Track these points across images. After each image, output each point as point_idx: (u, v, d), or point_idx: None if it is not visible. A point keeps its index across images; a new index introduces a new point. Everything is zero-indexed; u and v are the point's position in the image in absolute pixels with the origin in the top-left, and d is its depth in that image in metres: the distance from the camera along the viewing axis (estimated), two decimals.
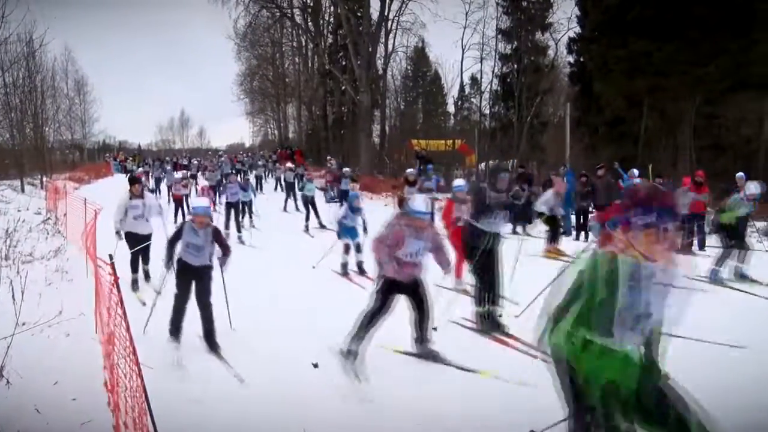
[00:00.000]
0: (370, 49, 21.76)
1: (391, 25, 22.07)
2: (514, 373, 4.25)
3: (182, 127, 26.72)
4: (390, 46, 22.47)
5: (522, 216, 6.99)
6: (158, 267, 6.11)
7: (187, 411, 3.68)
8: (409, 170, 12.71)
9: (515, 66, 21.47)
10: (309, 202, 13.31)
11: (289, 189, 16.38)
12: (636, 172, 12.34)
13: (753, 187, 7.69)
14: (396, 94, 24.12)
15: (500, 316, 5.67)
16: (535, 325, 2.56)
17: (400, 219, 4.75)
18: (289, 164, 17.98)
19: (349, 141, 23.29)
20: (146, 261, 7.53)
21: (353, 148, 22.67)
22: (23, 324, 4.49)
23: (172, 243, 5.29)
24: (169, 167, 19.50)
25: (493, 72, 21.89)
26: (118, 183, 16.90)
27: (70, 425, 3.43)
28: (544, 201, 9.48)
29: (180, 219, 12.85)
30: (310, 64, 25.13)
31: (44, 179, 19.48)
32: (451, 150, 22.16)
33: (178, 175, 15.84)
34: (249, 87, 26.10)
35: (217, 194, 15.87)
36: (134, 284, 7.28)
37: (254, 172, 20.69)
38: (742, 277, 7.62)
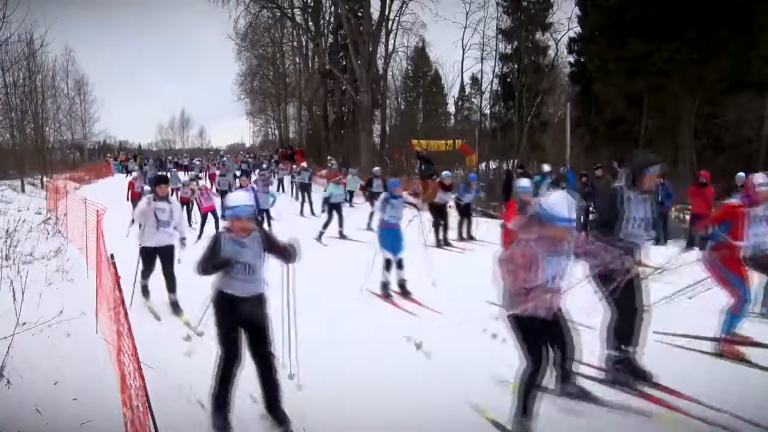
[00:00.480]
0: (370, 49, 21.78)
1: (392, 25, 22.12)
2: None
3: (183, 127, 26.78)
4: (390, 46, 22.52)
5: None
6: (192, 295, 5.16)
7: (187, 412, 3.69)
8: (444, 172, 11.42)
9: (515, 66, 21.50)
10: (335, 208, 11.66)
11: (305, 191, 15.24)
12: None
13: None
14: (396, 93, 24.17)
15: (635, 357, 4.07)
16: None
17: (527, 230, 3.33)
18: (303, 164, 16.98)
19: (350, 141, 23.31)
20: (172, 286, 6.19)
21: (354, 148, 22.68)
22: (24, 324, 4.50)
23: (212, 265, 3.46)
24: (174, 168, 19.31)
25: (493, 72, 21.96)
26: (119, 183, 16.92)
27: (70, 425, 3.43)
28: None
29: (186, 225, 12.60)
30: (310, 64, 25.15)
31: (44, 179, 19.51)
32: (452, 150, 22.17)
33: (184, 176, 15.30)
34: (249, 87, 26.15)
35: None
36: (145, 291, 6.42)
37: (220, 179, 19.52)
38: None
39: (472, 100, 23.59)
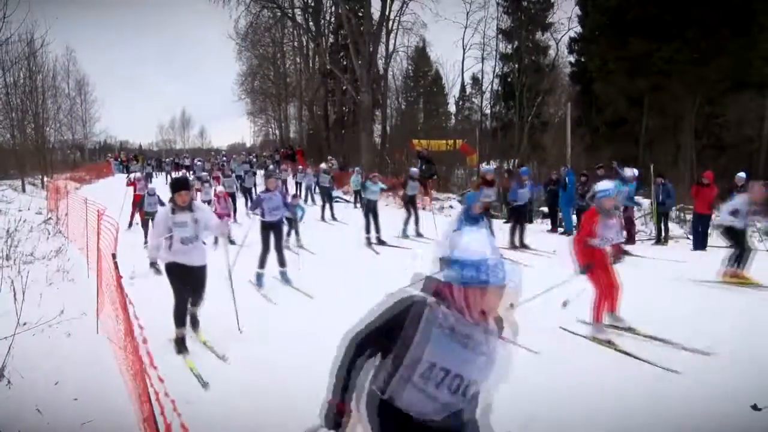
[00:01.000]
0: (371, 49, 21.76)
1: (392, 24, 22.08)
2: None
3: (183, 127, 26.75)
4: (391, 46, 22.48)
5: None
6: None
7: (188, 413, 3.69)
8: (485, 167, 10.69)
9: (516, 66, 21.49)
10: (371, 210, 10.73)
11: (326, 195, 14.30)
12: (636, 171, 12.32)
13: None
14: (397, 93, 24.13)
15: None
16: None
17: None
18: (323, 165, 16.00)
19: (350, 141, 23.28)
20: (196, 300, 5.29)
21: (354, 148, 22.66)
22: (24, 324, 4.51)
23: None
24: (198, 163, 18.98)
25: (493, 72, 21.94)
26: (119, 183, 16.91)
27: (71, 425, 3.44)
28: (731, 210, 7.24)
29: None
30: (311, 64, 25.14)
31: (45, 179, 19.51)
32: (452, 150, 22.16)
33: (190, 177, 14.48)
34: (250, 87, 26.12)
35: (248, 201, 14.19)
36: (181, 344, 4.98)
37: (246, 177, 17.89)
38: None
39: (473, 99, 23.58)
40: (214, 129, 27.29)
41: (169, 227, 4.98)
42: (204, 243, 5.39)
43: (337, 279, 7.63)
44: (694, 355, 4.57)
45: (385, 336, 2.02)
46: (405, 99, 24.65)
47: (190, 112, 26.63)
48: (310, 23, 23.69)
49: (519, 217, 10.01)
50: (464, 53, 21.78)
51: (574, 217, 11.99)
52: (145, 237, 10.43)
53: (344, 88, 23.28)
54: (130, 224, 11.95)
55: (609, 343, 4.99)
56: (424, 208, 13.73)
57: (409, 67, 24.28)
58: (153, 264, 5.16)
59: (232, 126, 30.44)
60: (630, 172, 11.05)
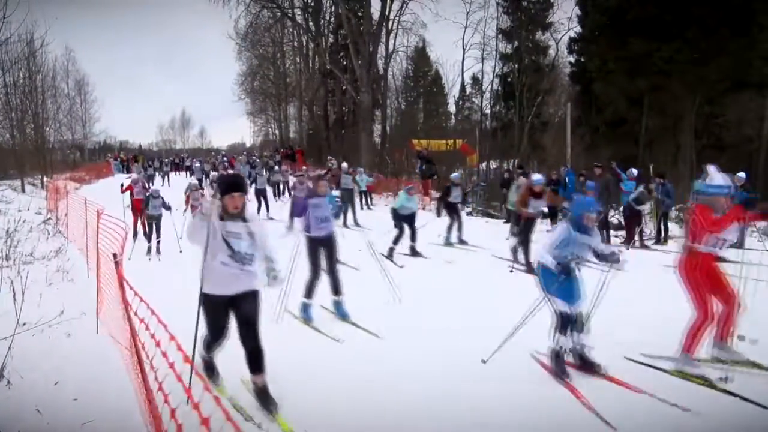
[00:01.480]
0: (370, 49, 21.78)
1: (392, 24, 22.11)
2: None
3: (183, 127, 26.77)
4: (391, 46, 22.51)
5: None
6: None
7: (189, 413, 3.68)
8: (536, 178, 8.74)
9: (516, 66, 21.50)
10: (408, 222, 9.74)
11: (349, 199, 13.26)
12: (635, 171, 12.32)
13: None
14: (397, 93, 24.15)
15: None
16: None
17: None
18: (345, 165, 15.10)
19: (350, 141, 23.29)
20: (257, 362, 3.67)
21: (354, 148, 22.67)
22: (24, 324, 4.51)
23: None
24: (197, 164, 18.74)
25: (493, 72, 21.95)
26: (119, 183, 16.87)
27: (71, 426, 3.43)
28: None
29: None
30: (311, 64, 25.15)
31: (45, 179, 19.50)
32: (452, 150, 22.16)
33: (194, 179, 13.87)
34: (250, 87, 26.14)
35: (261, 207, 13.36)
36: (210, 370, 3.95)
37: (270, 177, 16.67)
38: None
39: (473, 99, 23.60)
40: (213, 129, 27.35)
41: (220, 238, 3.56)
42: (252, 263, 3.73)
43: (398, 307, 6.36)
44: None
45: None
46: (405, 99, 24.68)
47: (190, 112, 26.69)
48: (310, 23, 23.71)
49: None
50: (464, 53, 21.82)
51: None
52: (149, 242, 9.92)
53: (344, 88, 23.29)
54: (135, 234, 10.19)
55: (704, 380, 4.05)
56: (423, 208, 13.73)
57: (409, 67, 24.31)
58: (205, 295, 3.63)
59: (231, 126, 30.52)
60: (634, 172, 11.07)
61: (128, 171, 21.38)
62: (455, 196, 10.77)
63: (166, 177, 21.06)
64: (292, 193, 13.32)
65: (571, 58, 21.23)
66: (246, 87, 25.96)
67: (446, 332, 5.36)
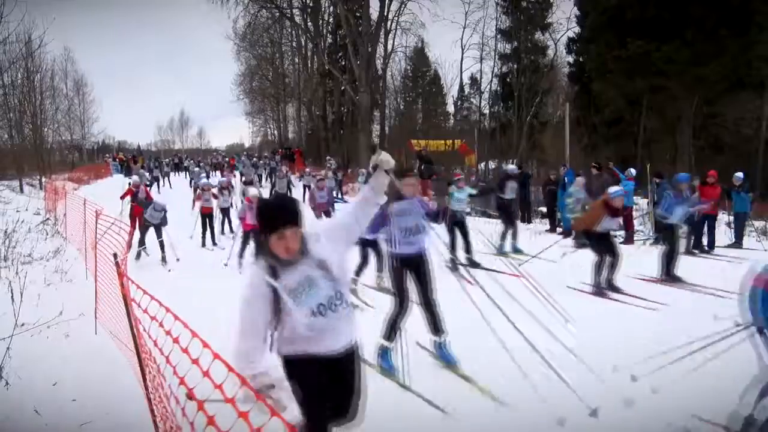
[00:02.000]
0: (369, 49, 21.78)
1: (391, 25, 22.13)
2: None
3: (182, 127, 26.77)
4: (389, 46, 22.53)
5: None
6: None
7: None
8: (613, 191, 6.63)
9: (515, 66, 21.53)
10: (458, 224, 7.98)
11: None
12: (633, 171, 12.32)
13: None
14: (395, 94, 24.17)
15: None
16: None
17: None
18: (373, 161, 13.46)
19: (349, 141, 23.30)
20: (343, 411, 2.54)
21: (353, 148, 22.67)
22: (22, 325, 4.49)
23: None
24: (196, 168, 18.60)
25: (492, 72, 22.01)
26: (119, 184, 16.85)
27: (69, 426, 3.42)
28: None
29: (209, 242, 10.35)
30: (309, 64, 25.15)
31: (43, 180, 19.47)
32: (451, 150, 22.18)
33: (204, 178, 13.12)
34: (248, 87, 26.17)
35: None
36: None
37: (276, 180, 15.71)
38: None
39: (471, 100, 23.64)
40: (212, 129, 27.37)
41: (285, 307, 2.26)
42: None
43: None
44: None
45: None
46: (404, 99, 24.69)
47: (188, 112, 26.71)
48: (309, 23, 23.71)
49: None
50: (463, 53, 21.87)
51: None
52: (140, 246, 8.97)
53: (343, 88, 23.30)
54: (142, 243, 9.10)
55: None
56: None
57: (408, 68, 24.33)
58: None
59: (230, 126, 30.54)
60: (632, 171, 11.05)
61: (128, 171, 21.23)
62: (511, 190, 9.04)
63: (166, 178, 21.01)
64: (308, 195, 12.30)
65: (570, 58, 21.34)
66: (245, 87, 26.01)
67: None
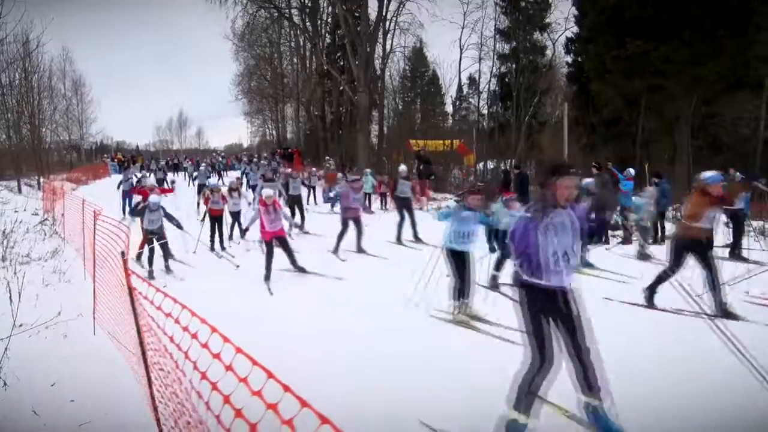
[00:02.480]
0: (368, 50, 21.77)
1: (389, 25, 22.10)
2: None
3: (180, 128, 26.72)
4: (388, 46, 22.50)
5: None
6: None
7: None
8: (708, 175, 5.82)
9: (513, 66, 21.54)
10: (499, 239, 7.56)
11: (404, 208, 10.85)
12: (632, 171, 12.34)
13: None
14: (394, 94, 24.13)
15: None
16: None
17: None
18: (402, 167, 12.15)
19: (348, 141, 23.28)
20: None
21: (351, 149, 22.67)
22: (20, 325, 4.49)
23: None
24: (202, 168, 18.44)
25: (491, 72, 21.98)
26: (117, 184, 16.80)
27: (68, 427, 3.42)
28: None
29: (217, 246, 9.79)
30: (308, 65, 25.12)
31: (41, 180, 19.43)
32: (450, 150, 22.18)
33: (214, 179, 12.50)
34: (247, 87, 26.11)
35: (296, 215, 11.67)
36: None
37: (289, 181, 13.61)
38: None
39: (470, 100, 23.62)
40: (211, 129, 27.28)
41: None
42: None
43: None
44: None
45: None
46: (402, 99, 24.66)
47: (187, 112, 26.63)
48: (307, 23, 23.68)
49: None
50: (461, 53, 21.84)
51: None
52: (150, 266, 8.18)
53: (341, 88, 23.28)
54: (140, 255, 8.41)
55: None
56: (421, 209, 13.68)
57: (406, 68, 24.30)
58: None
59: (229, 126, 30.48)
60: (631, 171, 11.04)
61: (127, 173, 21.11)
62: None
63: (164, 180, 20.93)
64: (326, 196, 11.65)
65: (569, 58, 21.30)
66: (243, 87, 25.94)
67: None
